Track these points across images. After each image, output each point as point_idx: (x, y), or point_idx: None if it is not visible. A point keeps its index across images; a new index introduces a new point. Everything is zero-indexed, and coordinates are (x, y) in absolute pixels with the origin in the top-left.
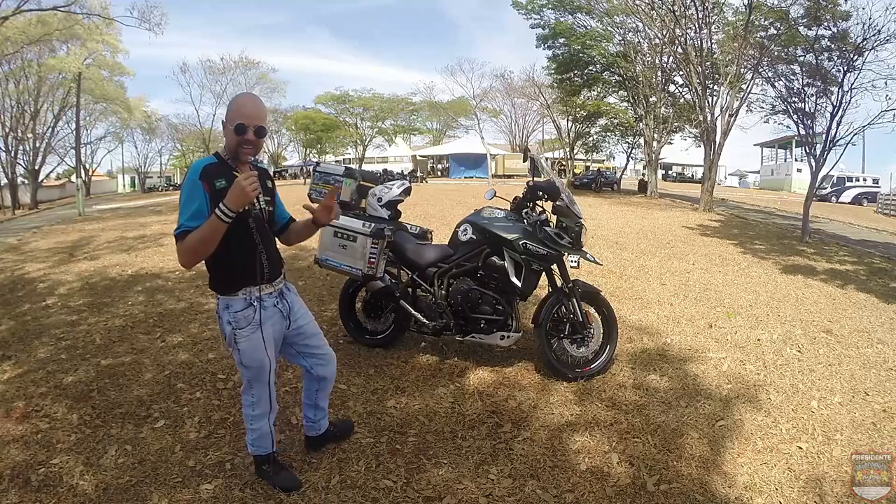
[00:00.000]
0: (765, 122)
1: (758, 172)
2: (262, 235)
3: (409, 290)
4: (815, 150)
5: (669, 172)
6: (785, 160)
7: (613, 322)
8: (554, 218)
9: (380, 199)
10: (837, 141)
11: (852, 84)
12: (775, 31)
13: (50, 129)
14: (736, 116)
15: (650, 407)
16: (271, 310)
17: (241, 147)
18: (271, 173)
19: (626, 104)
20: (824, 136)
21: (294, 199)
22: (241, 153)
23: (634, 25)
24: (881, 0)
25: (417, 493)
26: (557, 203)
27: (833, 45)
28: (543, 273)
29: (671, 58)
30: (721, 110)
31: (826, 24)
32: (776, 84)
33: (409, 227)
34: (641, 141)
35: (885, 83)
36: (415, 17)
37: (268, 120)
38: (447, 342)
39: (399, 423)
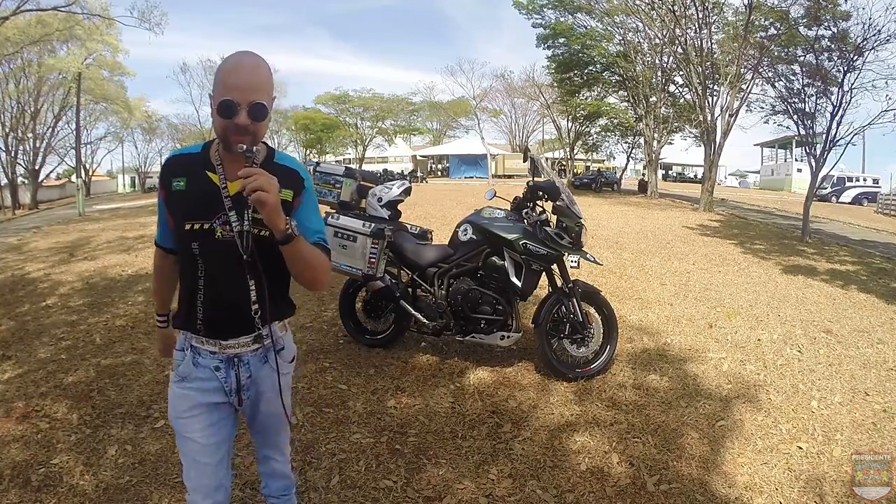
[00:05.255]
0: (765, 122)
1: (758, 172)
2: (212, 270)
3: (410, 290)
4: (815, 150)
5: (669, 172)
6: (785, 160)
7: (613, 322)
8: (554, 218)
9: (380, 199)
10: (837, 141)
11: (852, 84)
12: (775, 31)
13: (50, 129)
14: (736, 116)
15: (650, 407)
16: (205, 372)
17: (231, 135)
18: (304, 173)
19: (626, 104)
20: (824, 136)
21: None
22: (233, 144)
23: (634, 25)
24: (881, 0)
25: (417, 493)
26: (557, 203)
27: (833, 45)
28: (543, 273)
29: (671, 58)
30: (721, 110)
31: (826, 24)
32: (776, 84)
33: (409, 227)
34: (641, 141)
35: (886, 83)
36: (415, 18)
37: (272, 92)
38: (447, 342)
39: (399, 423)
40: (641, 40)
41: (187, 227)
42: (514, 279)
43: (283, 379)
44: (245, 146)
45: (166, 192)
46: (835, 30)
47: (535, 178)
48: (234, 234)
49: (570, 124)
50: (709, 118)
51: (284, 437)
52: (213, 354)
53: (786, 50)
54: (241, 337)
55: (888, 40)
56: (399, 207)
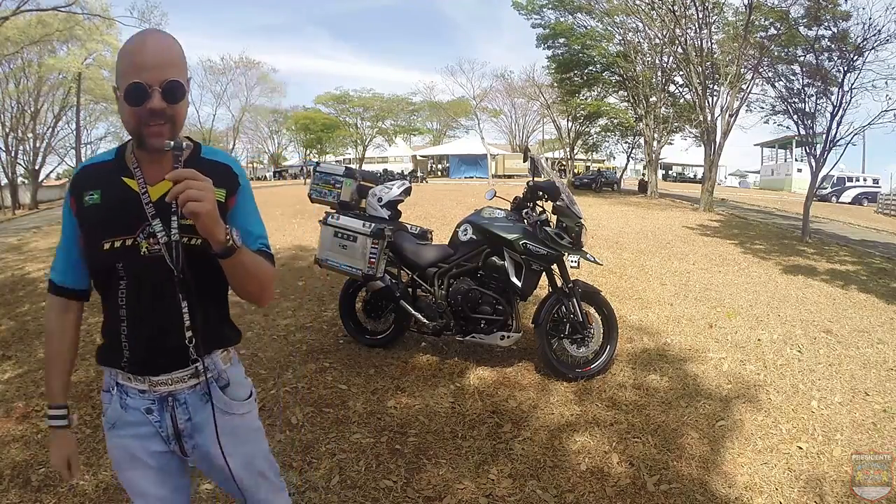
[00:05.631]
0: (765, 122)
1: (758, 172)
2: (137, 294)
3: (410, 290)
4: (815, 150)
5: (669, 172)
6: (785, 160)
7: (613, 322)
8: (554, 218)
9: (380, 199)
10: (837, 141)
11: (852, 84)
12: (775, 31)
13: (50, 129)
14: (736, 116)
15: (650, 407)
16: (136, 415)
17: (144, 126)
18: (238, 169)
19: (626, 104)
20: (824, 136)
21: (293, 199)
22: (147, 137)
23: (634, 25)
24: (881, 0)
25: (417, 493)
26: (557, 203)
27: (833, 45)
28: (543, 273)
29: (671, 58)
30: (721, 110)
31: (826, 24)
32: (776, 84)
33: (409, 227)
34: (641, 141)
35: (886, 83)
36: (415, 18)
37: (186, 71)
38: (447, 342)
39: (399, 423)
40: (641, 40)
41: (106, 245)
42: (514, 279)
43: (237, 421)
44: (170, 140)
45: (78, 203)
46: (835, 30)
47: (535, 178)
48: (162, 245)
49: (570, 124)
50: (709, 118)
51: (269, 488)
52: (143, 394)
53: (786, 50)
54: (175, 371)
55: (888, 40)
56: (399, 207)
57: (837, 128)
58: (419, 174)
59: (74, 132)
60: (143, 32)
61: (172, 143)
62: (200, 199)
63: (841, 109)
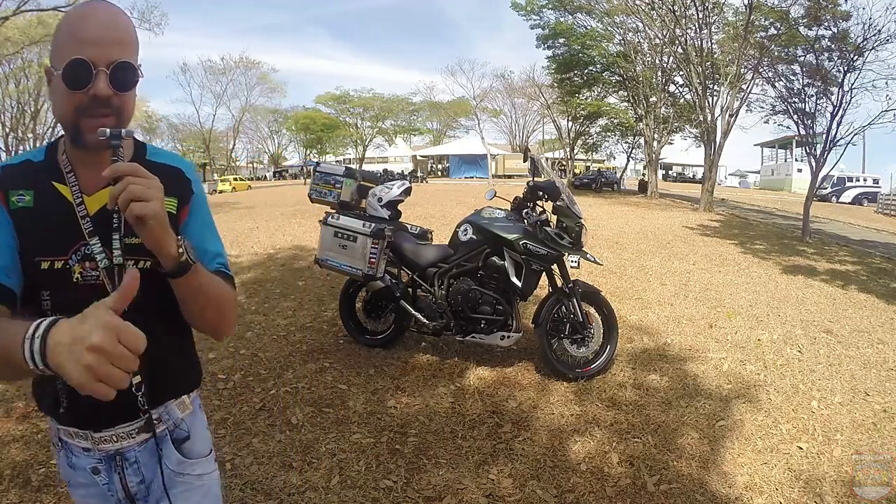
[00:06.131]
0: (765, 122)
1: (758, 172)
2: None
3: (410, 290)
4: (815, 150)
5: (669, 172)
6: (785, 160)
7: (614, 322)
8: (554, 218)
9: (380, 200)
10: (838, 141)
11: (852, 84)
12: (775, 32)
13: (50, 130)
14: (736, 116)
15: (650, 407)
16: (84, 475)
17: (84, 116)
18: (191, 173)
19: (626, 104)
20: (824, 136)
21: (294, 199)
22: (86, 131)
23: (634, 25)
24: (881, 0)
25: (417, 493)
26: (557, 203)
27: (833, 45)
28: (543, 273)
29: (671, 58)
30: (721, 110)
31: (826, 24)
32: (776, 84)
33: (409, 227)
34: (641, 141)
35: (886, 83)
36: (414, 18)
37: (138, 54)
38: (447, 342)
39: (399, 423)
40: (641, 40)
41: (34, 265)
42: (515, 279)
43: (193, 483)
44: (108, 129)
45: (6, 201)
46: (835, 30)
47: (535, 178)
48: (102, 270)
49: (570, 124)
50: (709, 118)
51: None
52: (87, 452)
53: (786, 50)
54: (119, 426)
55: (888, 40)
56: (399, 207)
57: (837, 128)
58: (419, 174)
59: None
60: (89, 2)
61: (109, 131)
62: (147, 199)
63: (841, 109)
